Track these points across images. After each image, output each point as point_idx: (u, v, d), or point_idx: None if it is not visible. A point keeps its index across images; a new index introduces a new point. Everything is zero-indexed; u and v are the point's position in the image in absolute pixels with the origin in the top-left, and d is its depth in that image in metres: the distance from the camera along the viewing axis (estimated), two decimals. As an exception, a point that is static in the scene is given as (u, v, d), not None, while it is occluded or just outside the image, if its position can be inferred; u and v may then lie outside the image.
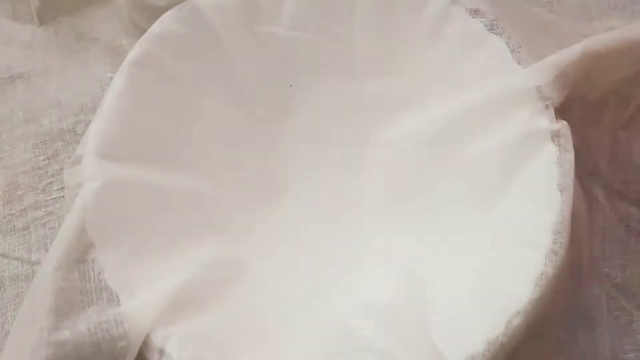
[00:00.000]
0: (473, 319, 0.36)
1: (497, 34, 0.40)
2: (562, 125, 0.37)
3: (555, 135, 0.37)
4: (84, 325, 0.35)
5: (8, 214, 0.48)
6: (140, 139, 0.41)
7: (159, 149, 0.42)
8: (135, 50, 0.42)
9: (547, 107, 0.38)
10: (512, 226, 0.38)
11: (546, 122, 0.38)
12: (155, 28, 0.43)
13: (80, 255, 0.37)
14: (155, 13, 0.46)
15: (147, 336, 0.36)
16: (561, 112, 0.39)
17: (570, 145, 0.37)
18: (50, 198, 0.48)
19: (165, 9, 0.45)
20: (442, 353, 0.35)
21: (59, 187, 0.48)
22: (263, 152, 0.46)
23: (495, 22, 0.40)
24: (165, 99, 0.42)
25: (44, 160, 0.49)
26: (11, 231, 0.47)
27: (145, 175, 0.41)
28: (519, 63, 0.39)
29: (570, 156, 0.37)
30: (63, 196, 0.47)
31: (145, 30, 0.46)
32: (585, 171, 0.42)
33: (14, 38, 0.53)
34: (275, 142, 0.46)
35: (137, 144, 0.41)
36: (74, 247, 0.37)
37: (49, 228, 0.47)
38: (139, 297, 0.37)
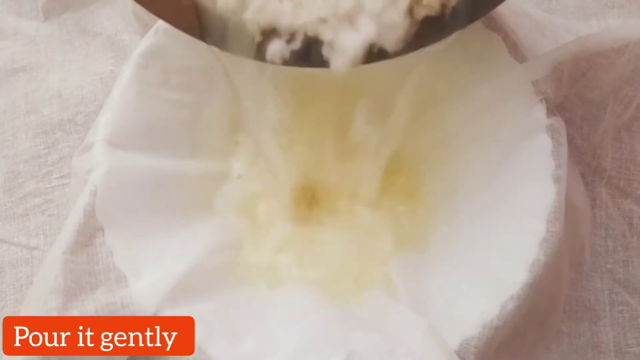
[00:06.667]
0: (469, 303, 0.37)
1: (494, 30, 0.41)
2: (556, 120, 0.38)
3: (549, 129, 0.38)
4: (91, 306, 0.36)
5: (8, 201, 0.48)
6: (148, 128, 0.42)
7: (167, 138, 0.42)
8: (145, 43, 0.42)
9: (542, 101, 0.38)
10: (506, 214, 0.39)
11: (541, 115, 0.38)
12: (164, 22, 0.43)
13: (89, 239, 0.38)
14: (159, 7, 0.47)
15: (153, 318, 0.36)
16: (561, 110, 0.40)
17: (564, 139, 0.38)
18: (49, 186, 0.48)
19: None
20: (439, 335, 0.36)
21: (59, 175, 0.48)
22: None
23: (493, 17, 0.41)
24: (173, 90, 0.43)
25: (44, 149, 0.49)
26: (11, 218, 0.48)
27: (153, 162, 0.41)
28: (516, 59, 0.40)
29: (564, 150, 0.38)
30: (62, 184, 0.48)
31: (147, 24, 0.47)
32: (588, 168, 0.43)
33: (18, 33, 0.54)
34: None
35: (145, 133, 0.41)
36: (82, 230, 0.37)
37: (48, 215, 0.47)
38: (146, 279, 0.37)
